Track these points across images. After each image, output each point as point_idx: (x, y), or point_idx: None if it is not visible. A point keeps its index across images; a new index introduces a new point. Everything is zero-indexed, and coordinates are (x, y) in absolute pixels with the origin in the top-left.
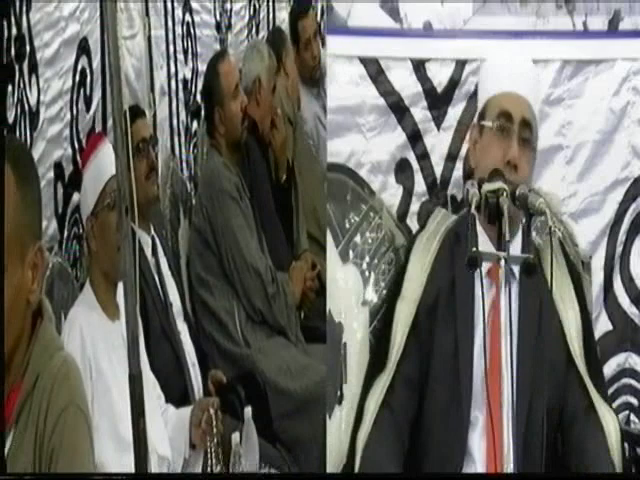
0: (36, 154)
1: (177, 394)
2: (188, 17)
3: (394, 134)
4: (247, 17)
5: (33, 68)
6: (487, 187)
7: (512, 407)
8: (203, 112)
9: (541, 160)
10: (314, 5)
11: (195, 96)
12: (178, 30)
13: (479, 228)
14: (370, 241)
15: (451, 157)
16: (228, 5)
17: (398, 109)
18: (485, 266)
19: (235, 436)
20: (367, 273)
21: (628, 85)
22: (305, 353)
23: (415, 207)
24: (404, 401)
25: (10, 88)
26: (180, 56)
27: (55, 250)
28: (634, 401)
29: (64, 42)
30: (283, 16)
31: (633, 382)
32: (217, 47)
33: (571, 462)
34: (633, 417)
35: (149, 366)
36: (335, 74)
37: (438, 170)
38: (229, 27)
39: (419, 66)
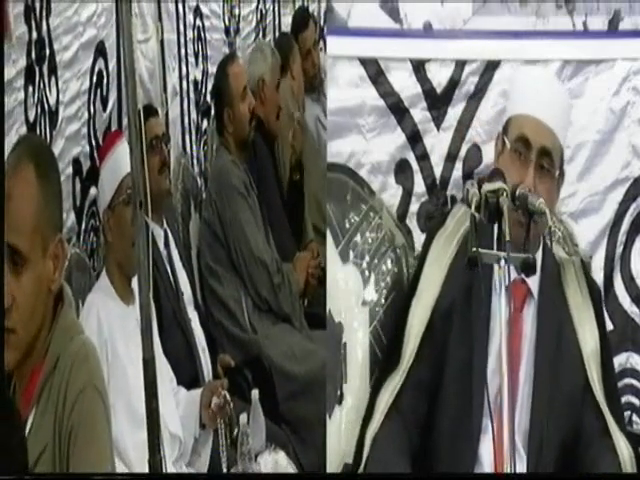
0: (56, 151)
1: (188, 377)
2: (199, 22)
3: (394, 135)
4: (254, 22)
5: (53, 70)
6: (487, 187)
7: (524, 424)
8: (213, 111)
9: None
10: (314, 17)
11: (205, 96)
12: (189, 34)
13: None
14: (370, 241)
15: (451, 157)
16: (236, 10)
17: (398, 110)
18: (503, 281)
19: (243, 417)
20: (367, 273)
21: (628, 85)
22: (309, 339)
23: (415, 207)
24: (414, 403)
25: (31, 89)
26: (191, 59)
27: (73, 241)
28: (636, 401)
29: (82, 45)
30: (288, 21)
31: (634, 382)
32: (226, 50)
33: None
34: (635, 417)
35: (162, 350)
36: (335, 75)
37: (438, 170)
38: (237, 31)
39: (419, 67)
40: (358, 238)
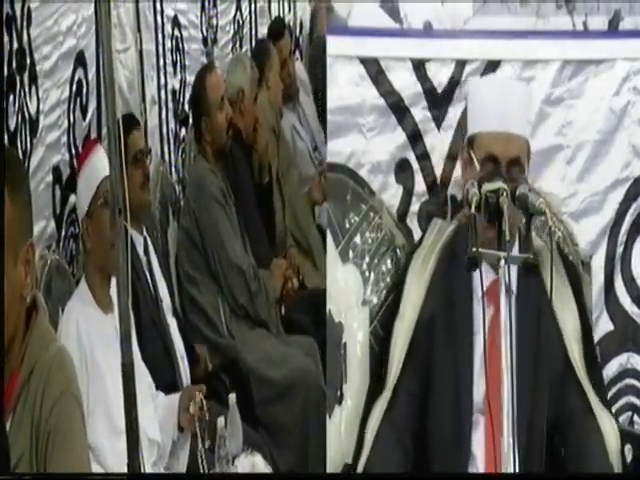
0: (36, 159)
1: (166, 382)
2: (177, 32)
3: (394, 134)
4: (232, 32)
5: (33, 79)
6: (487, 187)
7: (513, 414)
8: (191, 120)
9: (541, 160)
10: (290, 27)
11: (183, 105)
12: (167, 44)
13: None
14: (370, 241)
15: (451, 157)
16: (214, 21)
17: (398, 109)
18: (483, 285)
19: (220, 420)
20: (367, 273)
21: (628, 85)
22: (285, 343)
23: (415, 207)
24: (406, 416)
25: (12, 98)
26: (169, 68)
27: (53, 248)
28: (637, 401)
29: (62, 55)
30: (265, 31)
31: (635, 382)
32: (204, 60)
33: (570, 466)
34: (636, 418)
35: (140, 356)
36: (335, 74)
37: (438, 170)
38: (215, 41)
39: (419, 66)
40: (358, 238)
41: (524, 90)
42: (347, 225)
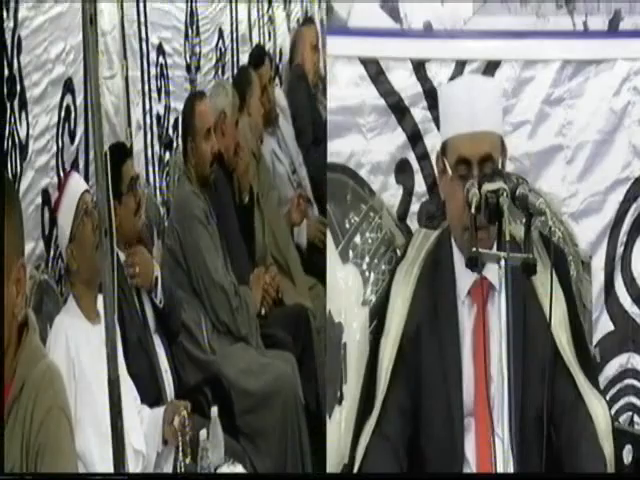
0: (25, 182)
1: (151, 396)
2: (161, 59)
3: (394, 134)
4: (214, 59)
5: (23, 105)
6: (487, 187)
7: (506, 413)
8: (181, 142)
9: (541, 160)
10: (270, 54)
11: (167, 130)
12: (152, 71)
13: (455, 250)
14: (370, 241)
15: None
16: (197, 49)
17: (398, 109)
18: (466, 286)
19: (203, 433)
20: (367, 273)
21: (628, 85)
22: (266, 357)
23: (415, 207)
24: (398, 428)
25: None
26: (154, 94)
27: (42, 268)
28: (637, 401)
29: (51, 82)
30: (245, 58)
31: (635, 382)
32: (187, 86)
33: (562, 456)
34: (637, 418)
35: (126, 371)
36: (335, 74)
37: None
38: (198, 68)
39: (419, 66)
40: (358, 238)
41: (488, 85)
42: (347, 225)
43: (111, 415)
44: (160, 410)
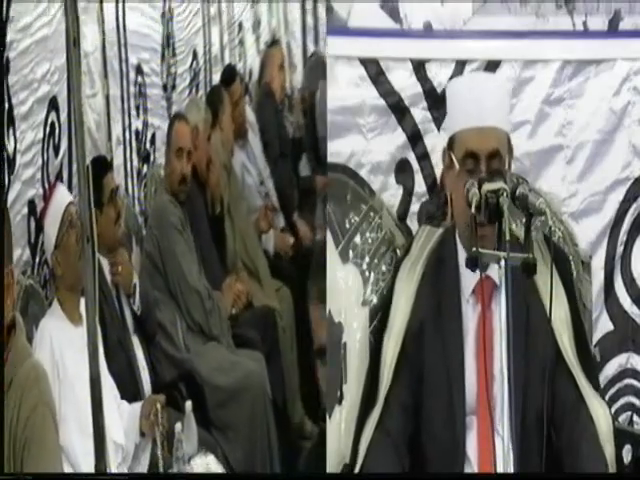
0: (13, 193)
1: (130, 392)
2: (140, 79)
3: (394, 134)
4: (189, 79)
5: (11, 122)
6: (487, 187)
7: (507, 412)
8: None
9: (541, 160)
10: (241, 74)
11: (145, 144)
12: (132, 90)
13: (459, 248)
14: (370, 241)
15: (443, 180)
16: (173, 69)
17: (398, 109)
18: (470, 285)
19: (177, 425)
20: (367, 273)
21: (628, 85)
22: (236, 355)
23: (415, 207)
24: (400, 426)
25: None
26: (133, 111)
27: (28, 273)
28: (636, 401)
29: (37, 100)
30: (218, 78)
31: (635, 382)
32: (164, 104)
33: (563, 456)
34: (636, 418)
35: (107, 369)
36: (335, 75)
37: (438, 170)
38: (174, 87)
39: (419, 66)
40: (358, 238)
41: (497, 84)
42: (347, 225)
43: (93, 411)
44: (138, 405)
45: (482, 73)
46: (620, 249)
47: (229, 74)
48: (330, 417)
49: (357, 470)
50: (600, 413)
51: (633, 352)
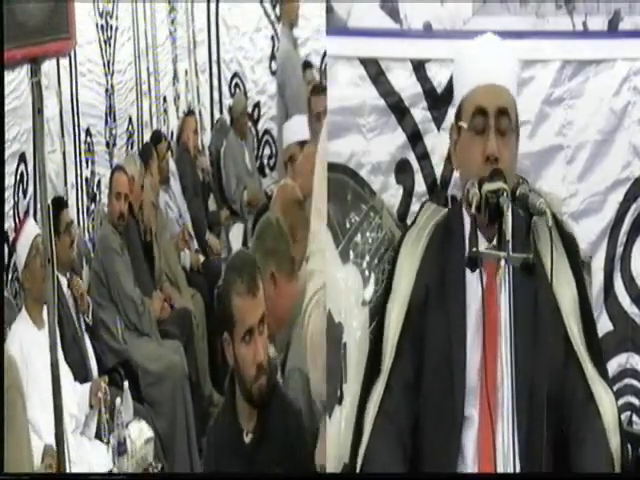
0: None
1: (81, 375)
2: (89, 139)
3: (394, 134)
4: (125, 139)
5: None
6: (487, 187)
7: (510, 401)
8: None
9: (541, 160)
10: (165, 135)
11: (93, 188)
12: (82, 147)
13: (466, 220)
14: (370, 241)
15: (451, 157)
16: (114, 131)
17: (398, 110)
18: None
19: (117, 400)
20: (367, 273)
21: (628, 85)
22: (162, 346)
23: (415, 207)
24: (402, 406)
25: None
26: (83, 164)
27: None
28: (636, 401)
29: (11, 154)
30: (148, 138)
31: (634, 382)
32: (107, 158)
33: (569, 449)
34: (635, 418)
35: (64, 359)
36: (335, 75)
37: (438, 170)
38: (114, 145)
39: (419, 67)
40: (358, 238)
41: (504, 46)
42: (347, 225)
43: (53, 391)
44: (87, 385)
45: (493, 37)
46: (620, 249)
47: (156, 136)
48: (330, 417)
49: (360, 454)
50: (607, 404)
51: (633, 352)
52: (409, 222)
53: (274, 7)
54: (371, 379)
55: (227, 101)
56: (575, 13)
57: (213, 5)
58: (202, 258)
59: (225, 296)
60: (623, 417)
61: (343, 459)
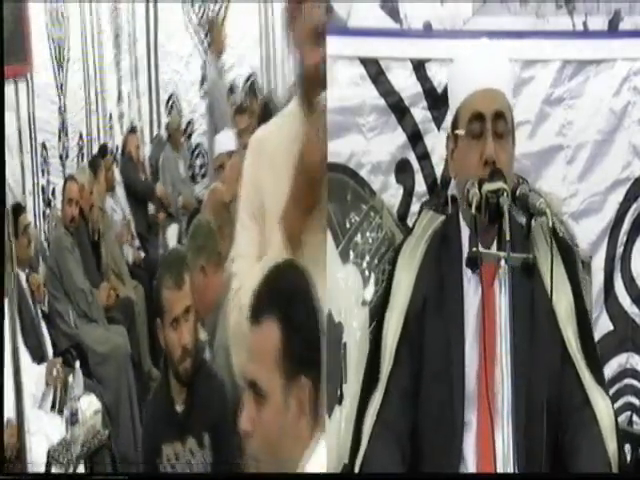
0: None
1: (38, 357)
2: (45, 152)
3: (394, 134)
4: (77, 151)
5: None
6: (487, 187)
7: (509, 406)
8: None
9: (541, 160)
10: (111, 149)
11: (48, 195)
12: (39, 159)
13: (463, 227)
14: (370, 241)
15: (448, 166)
16: (66, 144)
17: (398, 109)
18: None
19: (70, 377)
20: (367, 273)
21: (628, 85)
22: (108, 330)
23: (415, 207)
24: (401, 414)
25: None
26: (40, 173)
27: None
28: (636, 401)
29: None
30: (96, 150)
31: (634, 382)
32: (60, 168)
33: (564, 453)
34: (635, 418)
35: (23, 344)
36: (335, 75)
37: (438, 170)
38: (67, 157)
39: (419, 66)
40: (358, 238)
41: (499, 49)
42: (347, 225)
43: (13, 371)
44: (44, 365)
45: (486, 42)
46: (620, 249)
47: (103, 149)
48: (330, 417)
49: (358, 461)
50: (603, 409)
51: (633, 352)
52: (409, 222)
53: (206, 36)
54: (369, 387)
55: (164, 119)
56: (575, 13)
57: (152, 35)
58: (143, 254)
59: (157, 289)
60: (623, 417)
61: (343, 459)
